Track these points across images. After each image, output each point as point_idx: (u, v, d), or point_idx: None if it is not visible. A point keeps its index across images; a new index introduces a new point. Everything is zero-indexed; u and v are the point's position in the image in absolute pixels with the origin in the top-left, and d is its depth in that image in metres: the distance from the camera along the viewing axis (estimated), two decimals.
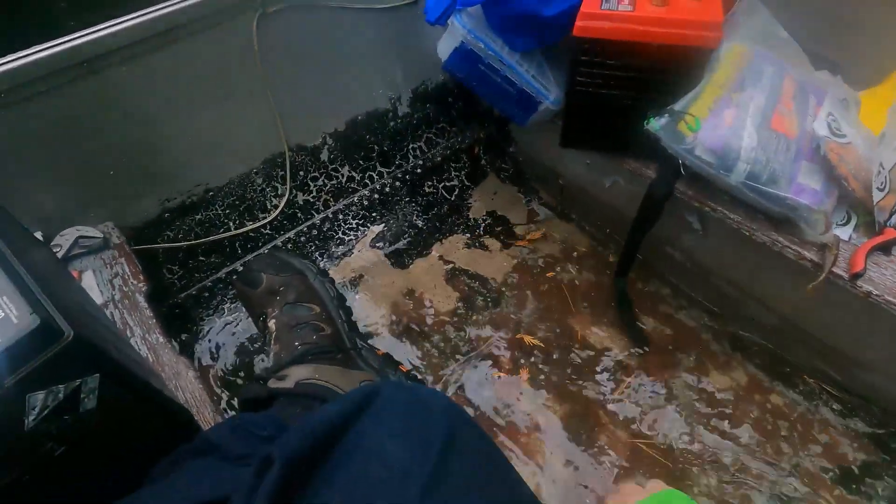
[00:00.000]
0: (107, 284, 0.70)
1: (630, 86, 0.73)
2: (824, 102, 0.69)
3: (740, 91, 0.70)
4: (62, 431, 0.39)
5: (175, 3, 0.73)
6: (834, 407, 0.79)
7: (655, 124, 0.70)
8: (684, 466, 0.75)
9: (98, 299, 0.68)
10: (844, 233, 0.69)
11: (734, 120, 0.68)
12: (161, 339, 0.63)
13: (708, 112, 0.69)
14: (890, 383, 0.73)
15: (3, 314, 0.35)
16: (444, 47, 0.85)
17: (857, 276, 0.64)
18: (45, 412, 0.37)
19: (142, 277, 0.71)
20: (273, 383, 0.55)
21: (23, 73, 0.65)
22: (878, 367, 0.73)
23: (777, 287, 0.79)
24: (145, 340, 0.63)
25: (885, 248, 0.67)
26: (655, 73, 0.70)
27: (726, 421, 0.79)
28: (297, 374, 0.55)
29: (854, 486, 0.71)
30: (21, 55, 0.66)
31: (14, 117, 0.68)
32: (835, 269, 0.66)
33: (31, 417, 0.36)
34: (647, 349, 0.87)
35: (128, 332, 0.64)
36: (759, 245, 0.72)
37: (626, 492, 0.45)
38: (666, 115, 0.70)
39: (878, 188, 0.67)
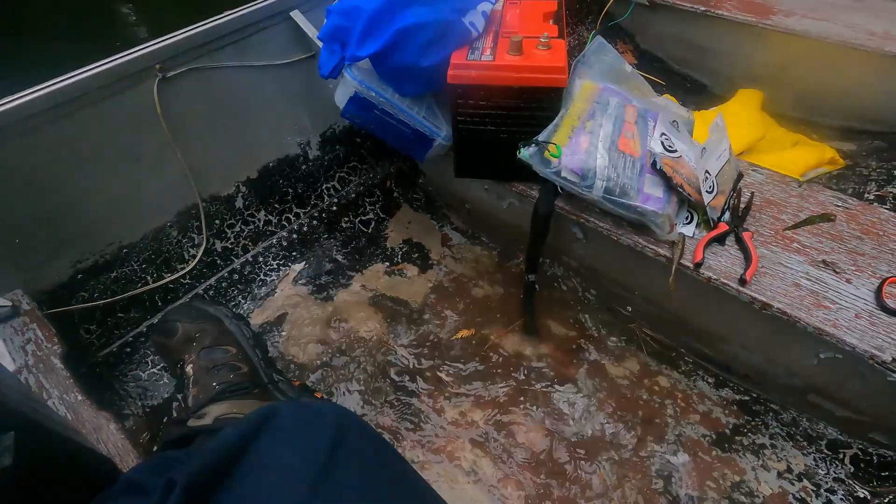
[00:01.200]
0: (19, 351, 0.71)
1: (501, 122, 0.84)
2: (657, 124, 0.83)
3: (591, 120, 0.83)
4: None
5: (72, 77, 0.77)
6: (708, 380, 0.92)
7: (525, 153, 0.81)
8: (590, 449, 0.84)
9: (10, 366, 0.68)
10: (689, 230, 0.83)
11: (588, 145, 0.80)
12: (80, 398, 0.65)
13: (567, 140, 0.81)
14: (743, 352, 0.87)
15: None
16: (341, 97, 0.93)
17: (698, 265, 0.78)
18: None
19: (56, 340, 0.72)
20: (192, 422, 0.58)
21: None
22: (732, 340, 0.86)
23: (648, 281, 0.91)
24: (63, 400, 0.65)
25: (719, 240, 0.81)
26: (520, 110, 0.82)
27: (623, 405, 0.89)
28: (216, 411, 0.59)
29: (727, 446, 0.83)
30: None
31: None
32: (683, 262, 0.79)
33: None
34: (534, 336, 0.98)
35: (44, 395, 0.65)
36: (626, 247, 0.84)
37: None
38: (533, 144, 0.81)
39: (706, 191, 0.81)
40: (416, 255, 1.16)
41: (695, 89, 1.59)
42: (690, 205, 0.84)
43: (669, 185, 0.79)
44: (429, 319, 1.04)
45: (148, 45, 0.84)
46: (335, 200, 1.17)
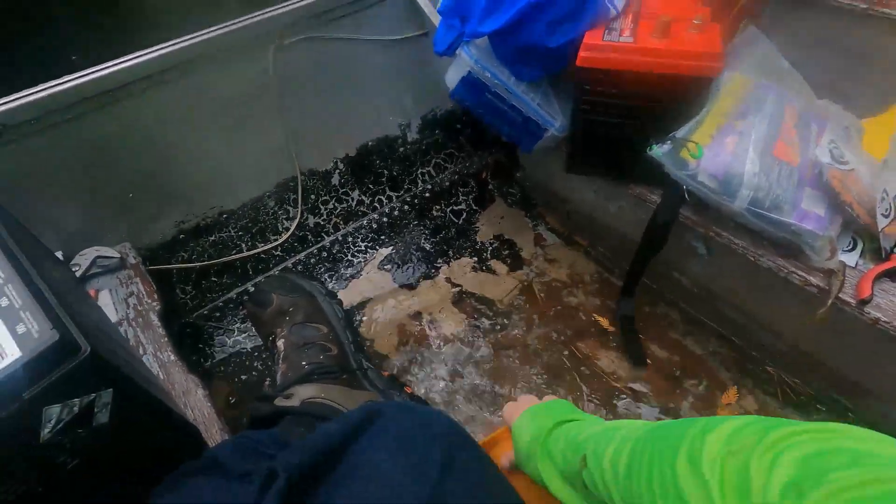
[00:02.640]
0: (122, 303, 0.72)
1: (632, 114, 0.75)
2: (826, 130, 0.70)
3: (742, 119, 0.71)
4: (75, 445, 0.40)
5: (195, 37, 0.77)
6: None
7: (658, 151, 0.71)
8: None
9: (113, 317, 0.69)
10: (851, 259, 0.69)
11: (736, 147, 0.69)
12: (172, 357, 0.65)
13: (710, 139, 0.70)
14: None
15: (25, 329, 0.37)
16: (452, 77, 0.88)
17: (864, 303, 0.64)
18: (60, 425, 0.38)
19: (156, 297, 0.73)
20: (279, 402, 0.56)
21: (53, 102, 0.69)
22: (888, 396, 0.72)
23: (784, 313, 0.78)
24: (157, 358, 0.65)
25: (892, 275, 0.67)
26: (657, 101, 0.72)
27: None
28: (303, 394, 0.56)
29: None
30: (51, 84, 0.69)
31: (42, 143, 0.72)
32: (841, 296, 0.66)
33: (47, 430, 0.38)
34: (645, 369, 0.87)
35: (140, 350, 0.66)
36: (764, 270, 0.72)
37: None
38: (668, 142, 0.71)
39: (882, 214, 0.67)
40: (507, 252, 1.09)
41: (839, 101, 1.38)
42: (856, 229, 0.70)
43: (836, 202, 0.66)
44: (515, 323, 0.97)
45: (269, 11, 0.83)
46: (429, 187, 1.13)
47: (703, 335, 0.92)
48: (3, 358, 0.35)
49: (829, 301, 0.65)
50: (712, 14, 0.73)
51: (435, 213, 1.13)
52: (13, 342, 0.36)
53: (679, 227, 0.79)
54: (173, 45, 0.76)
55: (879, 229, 0.67)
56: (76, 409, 0.39)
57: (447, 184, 1.14)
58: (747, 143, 0.69)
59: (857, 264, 0.69)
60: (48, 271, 0.48)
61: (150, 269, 0.82)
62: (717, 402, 0.83)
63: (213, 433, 0.57)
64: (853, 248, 0.70)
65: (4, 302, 0.39)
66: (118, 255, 0.77)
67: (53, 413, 0.38)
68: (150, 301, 0.72)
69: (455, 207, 1.15)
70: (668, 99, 0.72)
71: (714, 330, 0.92)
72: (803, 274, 0.68)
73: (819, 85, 1.41)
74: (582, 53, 0.72)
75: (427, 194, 1.12)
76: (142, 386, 0.46)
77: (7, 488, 0.39)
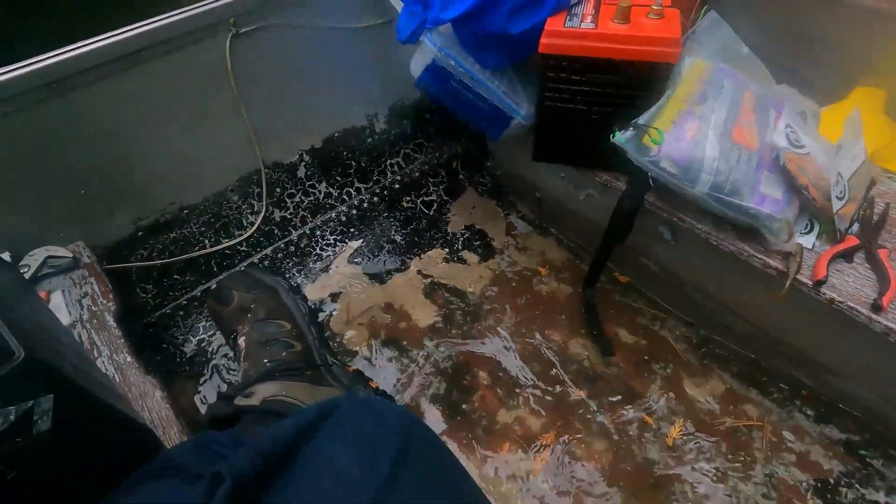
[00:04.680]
0: (75, 304, 0.69)
1: (596, 100, 0.74)
2: (783, 114, 0.71)
3: (702, 104, 0.72)
4: (14, 454, 0.38)
5: (145, 24, 0.74)
6: (808, 413, 0.80)
7: (621, 137, 0.71)
8: (660, 475, 0.75)
9: (65, 319, 0.67)
10: (808, 241, 0.71)
11: (696, 132, 0.70)
12: (129, 359, 0.63)
13: (671, 125, 0.71)
14: (860, 390, 0.74)
15: None
16: (417, 65, 0.86)
17: (820, 283, 0.66)
18: None
19: (111, 297, 0.70)
20: (239, 400, 0.54)
21: None
22: (848, 374, 0.74)
23: (747, 295, 0.80)
24: (112, 360, 0.63)
25: (846, 256, 0.68)
26: (619, 87, 0.72)
27: (701, 431, 0.79)
28: (264, 392, 0.55)
29: (829, 496, 0.71)
30: None
31: None
32: (799, 277, 0.67)
33: None
34: (613, 357, 0.88)
35: (94, 352, 0.63)
36: (726, 254, 0.73)
37: None
38: (631, 128, 0.71)
39: (837, 197, 0.69)
40: (478, 242, 1.09)
41: (799, 86, 1.41)
42: (813, 211, 0.71)
43: (793, 185, 0.68)
44: (487, 313, 0.96)
45: None
46: (398, 178, 1.11)
47: (671, 319, 0.93)
48: None
49: (787, 283, 0.67)
50: (672, 0, 0.73)
51: (405, 204, 1.12)
52: None
53: (645, 213, 0.80)
54: (123, 32, 0.73)
55: (834, 211, 0.69)
56: (12, 417, 0.37)
57: (417, 174, 1.13)
58: (707, 129, 0.70)
59: (813, 246, 0.70)
60: None
61: (107, 269, 0.79)
62: (684, 390, 0.84)
63: (172, 435, 0.56)
64: (810, 231, 0.72)
65: None
66: (70, 255, 0.74)
67: None
68: (105, 301, 0.70)
69: (426, 198, 1.14)
70: (630, 85, 0.72)
71: (681, 314, 0.93)
72: (763, 257, 0.70)
73: (780, 69, 1.44)
74: (544, 40, 0.71)
75: (397, 185, 1.11)
76: (90, 390, 0.44)
77: None
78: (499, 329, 0.94)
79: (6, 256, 0.72)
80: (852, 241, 0.69)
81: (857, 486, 0.72)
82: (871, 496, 0.70)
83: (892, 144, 1.07)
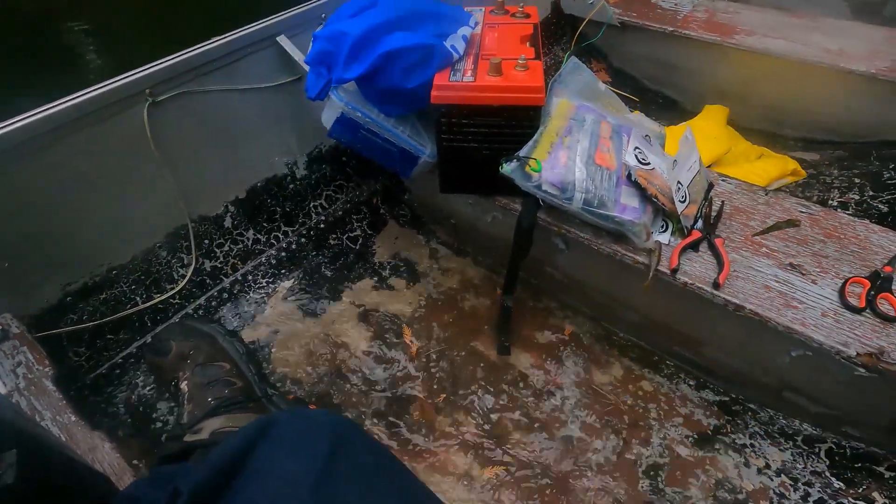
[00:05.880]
0: (9, 374, 0.71)
1: (483, 139, 0.88)
2: (631, 139, 0.88)
3: (569, 136, 0.87)
4: None
5: (63, 102, 0.79)
6: (690, 383, 0.95)
7: (507, 168, 0.85)
8: (578, 454, 0.86)
9: (1, 390, 0.68)
10: (664, 238, 0.87)
11: (567, 160, 0.84)
12: (73, 418, 0.65)
13: (547, 155, 0.85)
14: (721, 355, 0.90)
15: None
16: (328, 117, 0.96)
17: (675, 271, 0.81)
18: None
19: (47, 363, 0.72)
20: (189, 437, 0.59)
21: None
22: (711, 343, 0.90)
23: (629, 289, 0.95)
24: (56, 422, 0.65)
25: (693, 246, 0.85)
26: (501, 127, 0.86)
27: (608, 411, 0.92)
28: (212, 426, 0.60)
29: (709, 446, 0.86)
30: None
31: None
32: (660, 268, 0.83)
33: None
34: (506, 355, 1.00)
35: (37, 417, 0.66)
36: (606, 256, 0.87)
37: None
38: (514, 160, 0.85)
39: (679, 200, 0.85)
40: (404, 268, 1.19)
41: (667, 105, 1.66)
42: (665, 214, 0.88)
43: (644, 195, 0.83)
44: (417, 332, 1.06)
45: (139, 71, 0.86)
46: (322, 218, 1.19)
47: (578, 318, 1.07)
48: None
49: (651, 273, 0.82)
50: (535, 53, 0.88)
51: (332, 241, 1.20)
52: None
53: (541, 229, 0.93)
54: (42, 111, 0.77)
55: (679, 212, 0.85)
56: None
57: (340, 213, 1.22)
58: (575, 156, 0.85)
59: (669, 242, 0.87)
60: None
61: (37, 337, 0.80)
62: (592, 379, 0.97)
63: (126, 481, 0.60)
64: (666, 230, 0.88)
65: None
66: None
67: None
68: (41, 368, 0.72)
69: (351, 234, 1.23)
70: (509, 125, 0.86)
71: (585, 312, 1.07)
72: (632, 255, 0.85)
73: (648, 91, 1.68)
74: (434, 92, 0.84)
75: (322, 225, 1.19)
76: (46, 444, 0.48)
77: None
78: (429, 346, 1.03)
79: None
80: (696, 234, 0.86)
81: (729, 434, 0.87)
82: (739, 441, 0.86)
83: (731, 152, 1.30)
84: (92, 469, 0.53)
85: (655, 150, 0.90)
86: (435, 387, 0.97)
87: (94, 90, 0.81)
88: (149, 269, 0.97)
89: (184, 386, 0.66)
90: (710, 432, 0.88)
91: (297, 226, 1.17)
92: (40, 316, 0.86)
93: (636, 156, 0.85)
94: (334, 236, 1.20)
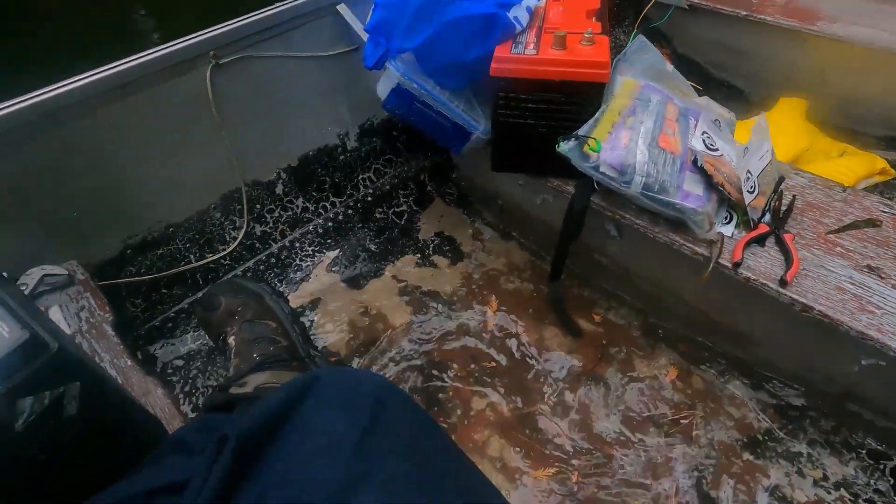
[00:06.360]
0: (73, 317, 0.75)
1: (542, 115, 0.85)
2: (699, 123, 0.83)
3: (632, 116, 0.83)
4: (47, 437, 0.44)
5: (133, 60, 0.81)
6: (743, 382, 0.91)
7: (564, 147, 0.82)
8: (612, 446, 0.84)
9: (66, 331, 0.72)
10: (728, 230, 0.82)
11: (628, 141, 0.80)
12: (129, 363, 0.68)
13: (607, 135, 0.82)
14: (778, 356, 0.85)
15: None
16: (383, 88, 0.96)
17: (737, 265, 0.77)
18: (33, 417, 0.42)
19: (107, 309, 0.76)
20: (234, 390, 0.61)
21: None
22: (769, 344, 0.85)
23: (683, 280, 0.90)
24: (114, 365, 0.68)
25: (759, 241, 0.80)
26: (560, 104, 0.83)
27: (653, 405, 0.89)
28: (256, 381, 0.61)
29: (760, 451, 0.82)
30: None
31: None
32: (721, 261, 0.78)
33: (20, 421, 0.42)
34: (580, 338, 0.97)
35: (97, 359, 0.69)
36: (662, 245, 0.83)
37: None
38: (572, 139, 0.82)
39: (747, 191, 0.80)
40: (448, 247, 1.18)
41: (732, 95, 1.56)
42: (730, 204, 0.83)
43: (710, 183, 0.79)
44: (458, 311, 1.05)
45: (204, 32, 0.87)
46: (370, 191, 1.20)
47: (623, 308, 1.04)
48: None
49: (711, 265, 0.78)
50: (602, 28, 0.84)
51: (378, 215, 1.20)
52: None
53: (594, 213, 0.90)
54: (113, 68, 0.80)
55: (746, 203, 0.80)
56: (46, 401, 0.43)
57: (388, 187, 1.22)
58: (637, 137, 0.81)
59: (732, 234, 0.82)
60: (4, 287, 0.51)
61: (99, 285, 0.84)
62: (637, 370, 0.94)
63: (175, 426, 0.62)
64: (729, 221, 0.83)
65: None
66: (66, 273, 0.80)
67: (26, 405, 0.42)
68: (102, 313, 0.75)
69: (397, 209, 1.23)
70: (569, 102, 0.82)
71: (631, 302, 1.03)
72: (691, 245, 0.80)
73: (712, 80, 1.59)
74: (493, 65, 0.81)
75: (369, 198, 1.19)
76: (107, 379, 0.50)
77: None
78: (469, 326, 1.02)
79: (4, 275, 0.76)
80: (763, 228, 0.80)
81: (782, 440, 0.82)
82: (793, 448, 0.81)
83: (811, 149, 1.22)
84: (146, 410, 0.55)
85: (725, 137, 0.84)
86: (472, 366, 0.96)
87: (161, 49, 0.84)
88: (203, 228, 1.00)
89: (231, 341, 0.68)
90: (761, 436, 0.83)
91: (344, 197, 1.18)
92: (102, 266, 0.91)
93: (704, 141, 0.81)
94: (380, 210, 1.20)
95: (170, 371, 0.90)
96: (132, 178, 0.90)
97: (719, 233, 0.80)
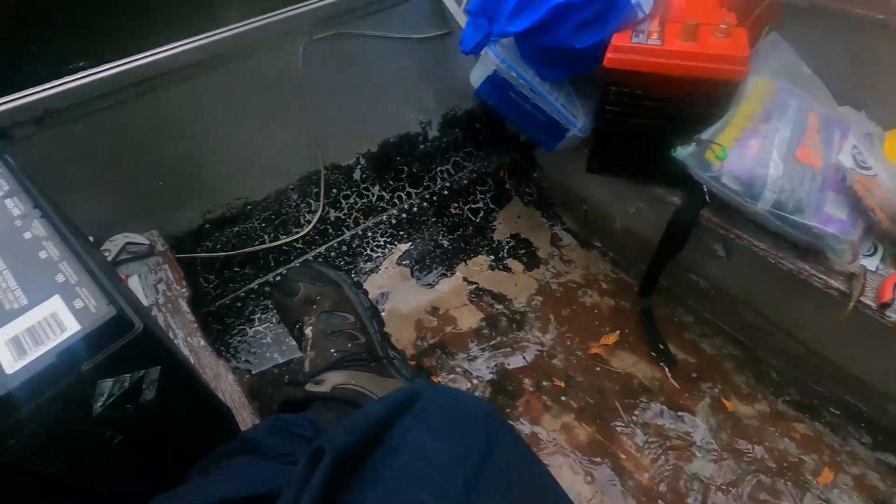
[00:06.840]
0: (151, 289, 0.73)
1: (658, 115, 0.76)
2: (849, 136, 0.71)
3: (766, 123, 0.72)
4: (123, 420, 0.41)
5: (230, 29, 0.79)
6: (864, 440, 0.78)
7: (683, 152, 0.72)
8: (705, 497, 0.74)
9: (143, 302, 0.71)
10: (871, 263, 0.70)
11: (760, 150, 0.70)
12: (202, 343, 0.66)
13: (734, 142, 0.71)
14: None
15: (82, 304, 0.38)
16: (477, 75, 0.89)
17: (885, 306, 0.65)
18: (112, 399, 0.39)
19: (184, 283, 0.74)
20: (310, 387, 0.57)
21: (94, 89, 0.70)
22: None
23: (803, 316, 0.79)
24: (187, 343, 0.66)
25: None
26: (683, 103, 0.73)
27: (750, 450, 0.78)
28: (334, 380, 0.57)
29: None
30: (90, 72, 0.71)
31: (80, 130, 0.73)
32: (862, 299, 0.67)
33: (99, 403, 0.39)
34: (671, 368, 0.88)
35: (171, 334, 0.67)
36: (785, 273, 0.73)
37: None
38: (693, 143, 0.72)
39: None
40: (523, 251, 1.10)
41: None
42: (878, 234, 0.71)
43: (859, 207, 0.67)
44: (531, 321, 0.98)
45: (302, 5, 0.84)
46: (447, 185, 1.14)
47: (718, 337, 0.93)
48: (63, 331, 0.37)
49: (851, 304, 0.66)
50: (738, 19, 0.74)
51: (453, 210, 1.15)
52: (72, 316, 0.37)
53: (698, 228, 0.80)
54: (210, 36, 0.78)
55: None
56: (126, 384, 0.40)
57: (465, 182, 1.16)
58: (771, 147, 0.70)
59: (877, 268, 0.70)
60: (91, 254, 0.49)
61: (177, 257, 0.83)
62: (734, 410, 0.83)
63: (244, 416, 0.59)
64: (874, 253, 0.71)
65: (60, 278, 0.40)
66: (147, 242, 0.79)
67: (106, 387, 0.39)
68: (178, 287, 0.74)
69: (473, 206, 1.16)
70: (694, 101, 0.73)
71: (729, 332, 0.92)
72: (824, 277, 0.69)
73: (835, 92, 1.42)
74: (609, 55, 0.73)
75: (445, 192, 1.14)
76: (185, 365, 0.47)
77: (55, 461, 0.40)
78: (543, 339, 0.94)
79: (90, 240, 0.76)
80: None
81: None
82: None
83: None
84: (218, 399, 0.52)
85: (877, 154, 0.72)
86: (545, 383, 0.88)
87: (259, 20, 0.81)
88: (279, 209, 0.98)
89: (308, 331, 0.64)
90: (887, 501, 0.71)
91: (420, 188, 1.13)
92: (181, 238, 0.90)
93: (854, 157, 0.69)
94: (456, 205, 1.14)
95: (236, 353, 0.89)
96: (217, 150, 0.88)
97: (863, 266, 0.69)
